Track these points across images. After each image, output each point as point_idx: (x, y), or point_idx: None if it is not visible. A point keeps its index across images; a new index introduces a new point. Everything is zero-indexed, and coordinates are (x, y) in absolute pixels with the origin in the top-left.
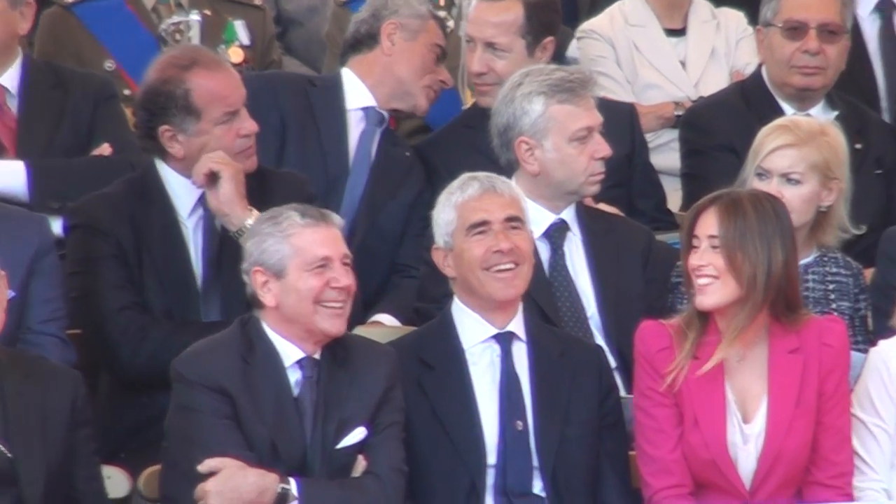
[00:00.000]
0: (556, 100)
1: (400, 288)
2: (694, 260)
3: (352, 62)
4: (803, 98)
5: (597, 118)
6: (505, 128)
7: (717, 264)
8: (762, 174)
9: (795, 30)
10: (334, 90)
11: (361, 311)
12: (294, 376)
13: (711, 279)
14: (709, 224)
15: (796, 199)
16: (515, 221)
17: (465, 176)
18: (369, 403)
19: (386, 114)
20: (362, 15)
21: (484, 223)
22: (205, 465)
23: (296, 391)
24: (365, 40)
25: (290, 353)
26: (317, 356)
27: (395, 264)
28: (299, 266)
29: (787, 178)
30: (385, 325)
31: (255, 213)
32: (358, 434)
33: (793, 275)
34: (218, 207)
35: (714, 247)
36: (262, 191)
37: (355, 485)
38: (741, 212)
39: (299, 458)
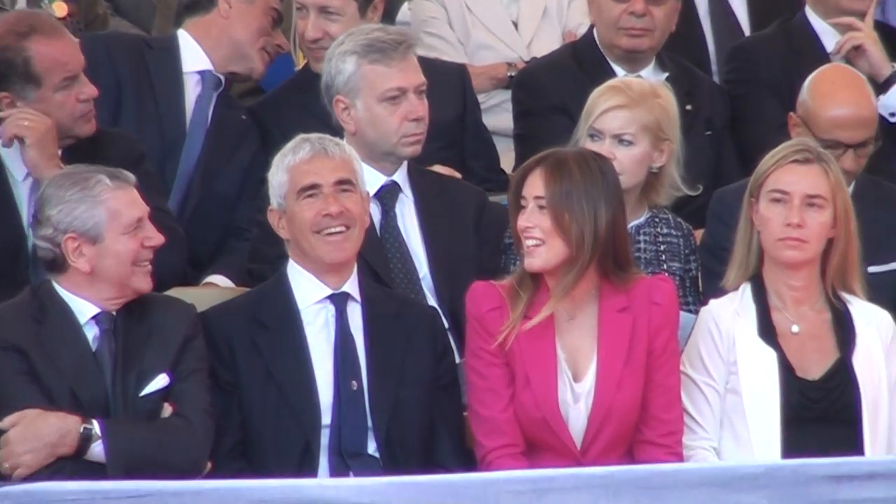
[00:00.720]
0: (367, 59)
1: (234, 250)
2: (521, 221)
3: (188, 24)
4: (632, 60)
5: (412, 79)
6: (326, 86)
7: (543, 225)
8: (595, 135)
9: None
10: (170, 53)
11: (196, 273)
12: (91, 332)
13: (539, 241)
14: (535, 185)
15: (628, 159)
16: (346, 184)
17: (298, 138)
18: (169, 353)
19: (222, 77)
20: None
21: (314, 186)
22: (5, 421)
23: (94, 346)
24: (202, 2)
25: (84, 310)
26: (114, 312)
27: (230, 227)
28: (116, 229)
29: (619, 139)
30: (220, 286)
31: None
32: (160, 381)
33: (621, 233)
34: (29, 168)
35: (541, 207)
36: (95, 152)
37: (161, 424)
38: (567, 172)
39: (102, 408)
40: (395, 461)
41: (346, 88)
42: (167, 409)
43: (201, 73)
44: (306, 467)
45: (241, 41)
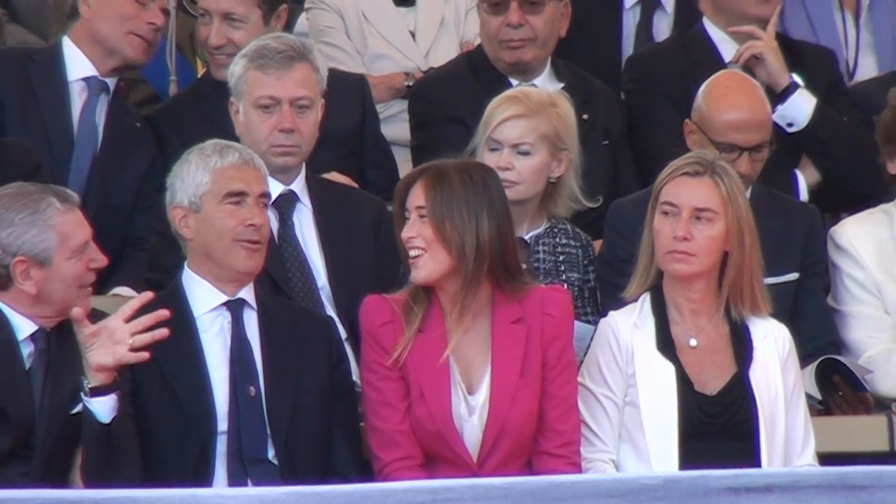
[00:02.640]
0: (253, 65)
1: (135, 260)
2: (405, 232)
3: (70, 31)
4: (521, 70)
5: (288, 90)
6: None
7: (425, 235)
8: (493, 145)
9: (497, 5)
10: (54, 62)
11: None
12: (27, 349)
13: (421, 251)
14: (417, 195)
15: (527, 169)
16: (265, 198)
17: (219, 142)
18: None
19: (110, 81)
20: None
21: (242, 194)
22: None
23: (28, 363)
24: (73, 8)
25: (24, 327)
26: (48, 328)
27: (129, 237)
28: (65, 254)
29: (517, 148)
30: (124, 296)
31: None
32: None
33: (508, 243)
34: None
35: (422, 217)
36: None
37: None
38: (447, 181)
39: (28, 424)
40: (293, 467)
41: (235, 91)
42: None
43: (86, 79)
44: (202, 474)
45: (106, 35)
